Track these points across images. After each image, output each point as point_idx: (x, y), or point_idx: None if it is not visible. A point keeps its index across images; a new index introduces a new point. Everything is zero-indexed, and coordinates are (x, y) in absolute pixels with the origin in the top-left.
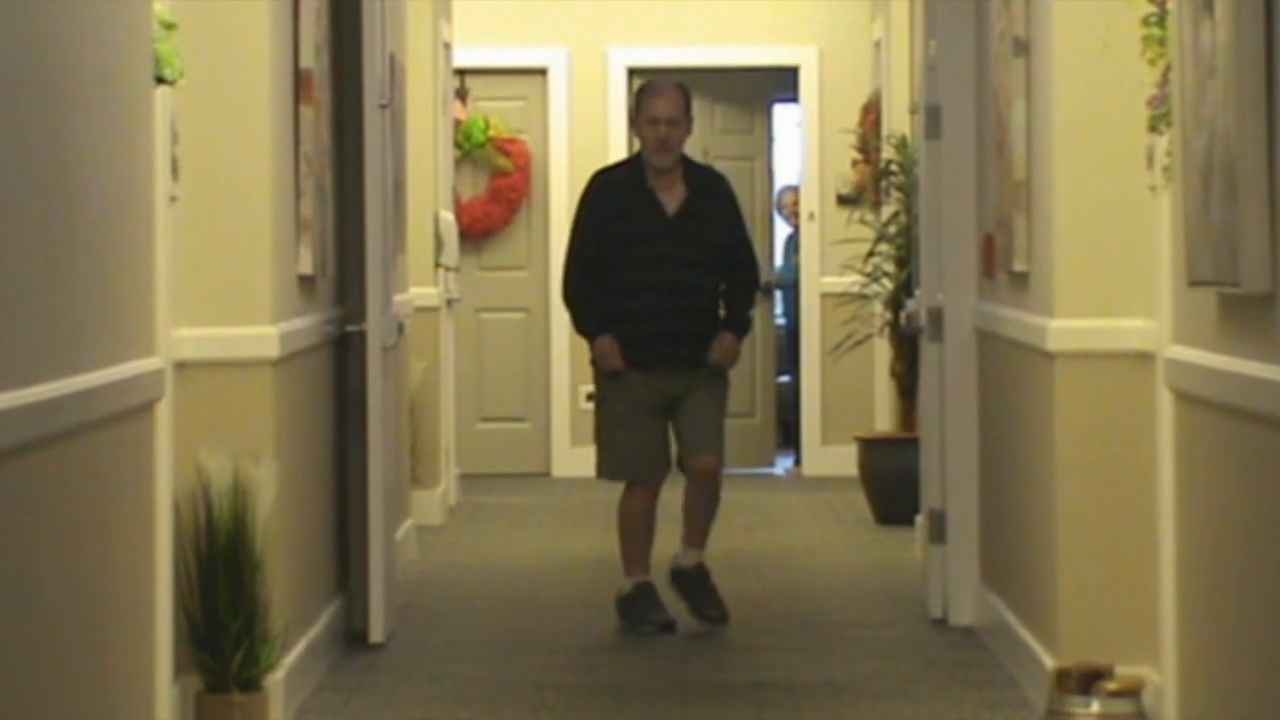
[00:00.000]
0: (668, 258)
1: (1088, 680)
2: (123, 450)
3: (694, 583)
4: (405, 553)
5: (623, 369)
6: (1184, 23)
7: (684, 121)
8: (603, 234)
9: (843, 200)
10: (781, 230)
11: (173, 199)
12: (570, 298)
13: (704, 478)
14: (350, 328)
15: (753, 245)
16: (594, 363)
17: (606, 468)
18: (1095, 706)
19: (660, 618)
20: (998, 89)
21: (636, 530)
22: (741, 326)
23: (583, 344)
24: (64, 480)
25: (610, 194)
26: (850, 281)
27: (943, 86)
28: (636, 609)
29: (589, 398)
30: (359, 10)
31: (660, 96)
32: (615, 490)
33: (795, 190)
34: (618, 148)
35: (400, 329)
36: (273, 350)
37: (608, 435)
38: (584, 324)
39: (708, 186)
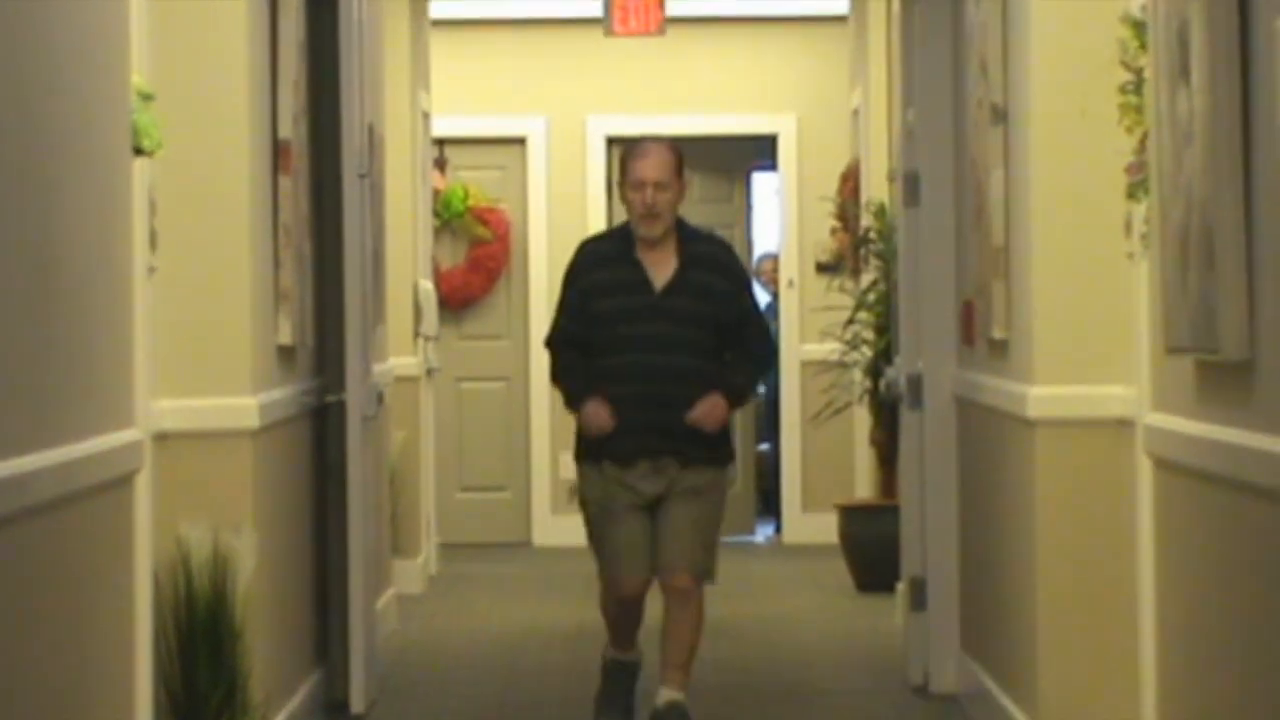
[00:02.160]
0: (653, 339)
1: None
2: (102, 522)
3: None
4: (386, 622)
5: (611, 426)
6: (1161, 91)
7: (674, 185)
8: (586, 312)
9: (822, 268)
10: (761, 298)
11: (151, 270)
12: (556, 374)
13: (679, 599)
14: (330, 398)
15: (765, 320)
16: (577, 456)
17: (598, 571)
18: None
19: None
20: (976, 156)
21: (616, 622)
22: (735, 390)
23: (565, 414)
24: (43, 553)
25: (595, 267)
26: (830, 349)
27: (921, 154)
28: (604, 698)
29: (573, 496)
30: (337, 80)
31: (646, 158)
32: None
33: (774, 258)
34: (597, 216)
35: (380, 398)
36: (252, 421)
37: (591, 535)
38: (570, 392)
39: (705, 257)
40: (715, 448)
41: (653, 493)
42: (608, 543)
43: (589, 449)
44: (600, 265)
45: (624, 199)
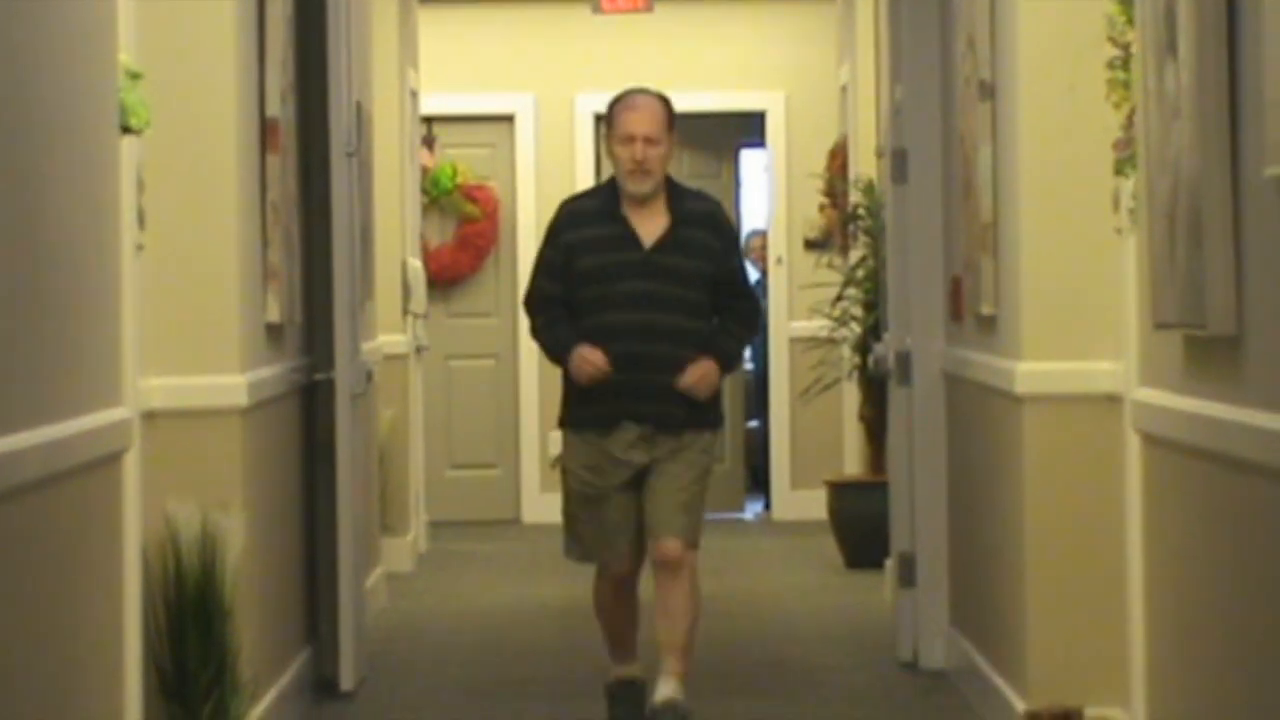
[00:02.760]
0: (642, 297)
1: None
2: (91, 500)
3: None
4: (375, 600)
5: (607, 367)
6: (1148, 66)
7: (665, 140)
8: (567, 270)
9: (810, 245)
10: (750, 275)
11: (139, 248)
12: (536, 328)
13: (669, 569)
14: (318, 376)
15: (750, 281)
16: (561, 422)
17: (565, 544)
18: None
19: None
20: (964, 133)
21: (609, 619)
22: (726, 354)
23: (553, 389)
24: (32, 531)
25: (578, 224)
26: (818, 326)
27: (909, 130)
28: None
29: (555, 463)
30: (325, 58)
31: (636, 110)
32: None
33: (763, 235)
34: None
35: (369, 376)
36: (241, 399)
37: (566, 508)
38: (556, 339)
39: (697, 214)
40: (705, 410)
41: (640, 462)
42: (592, 520)
43: (573, 415)
44: (583, 222)
45: (610, 154)
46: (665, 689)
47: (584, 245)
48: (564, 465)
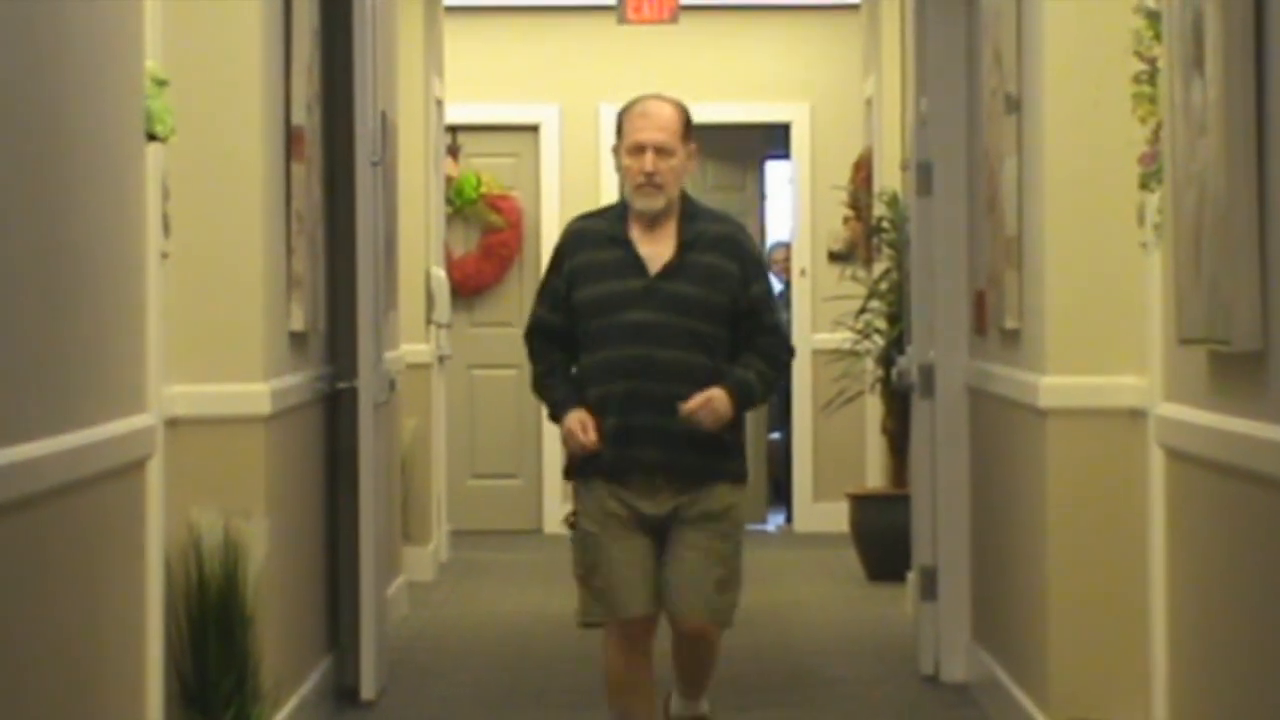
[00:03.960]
0: (648, 329)
1: None
2: (114, 507)
3: None
4: (396, 609)
5: (596, 445)
6: (1174, 81)
7: (679, 150)
8: (570, 300)
9: (834, 257)
10: (774, 287)
11: (164, 256)
12: (535, 380)
13: (692, 641)
14: (342, 384)
15: (779, 313)
16: (566, 472)
17: (580, 610)
18: None
19: None
20: (989, 146)
21: (621, 696)
22: (740, 386)
23: None
24: (55, 537)
25: (582, 248)
26: (842, 338)
27: (934, 143)
28: None
29: (567, 520)
30: (351, 67)
31: (646, 117)
32: None
33: (787, 247)
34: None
35: (392, 385)
36: (264, 407)
37: (579, 567)
38: (551, 401)
39: (711, 237)
40: (726, 460)
41: (655, 515)
42: (603, 567)
43: (580, 464)
44: (588, 245)
45: (619, 167)
46: (689, 707)
47: (586, 272)
48: (574, 521)
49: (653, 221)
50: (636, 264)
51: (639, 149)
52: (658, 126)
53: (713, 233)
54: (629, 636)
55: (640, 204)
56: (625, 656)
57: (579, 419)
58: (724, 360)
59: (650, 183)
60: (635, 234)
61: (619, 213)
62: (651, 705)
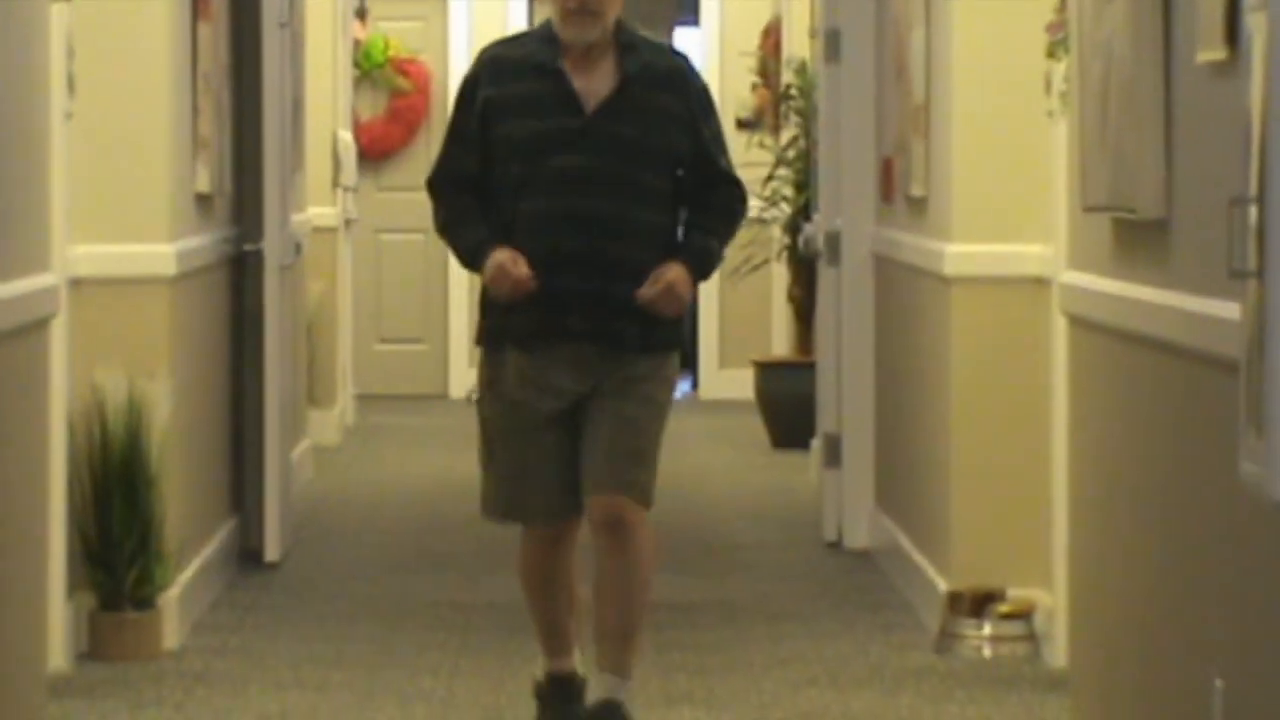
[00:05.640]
0: (580, 177)
1: (980, 603)
2: (17, 366)
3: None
4: (301, 473)
5: (528, 280)
6: None
7: None
8: (487, 138)
9: (742, 124)
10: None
11: (69, 116)
12: (443, 224)
13: (612, 532)
14: (247, 246)
15: (729, 153)
16: (479, 338)
17: (482, 500)
18: (987, 629)
19: None
20: (898, 14)
21: (538, 596)
22: (701, 258)
23: None
24: None
25: (499, 78)
26: (749, 205)
27: (843, 11)
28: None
29: (470, 397)
30: None
31: None
32: None
33: None
34: None
35: (298, 248)
36: (169, 268)
37: (483, 452)
38: (468, 243)
39: (657, 71)
40: (665, 328)
41: (576, 390)
42: (513, 469)
43: (492, 329)
44: (508, 74)
45: None
46: (604, 684)
47: (505, 105)
48: (480, 397)
49: (586, 52)
50: (570, 99)
51: None
52: None
53: (660, 66)
54: (545, 540)
55: (570, 34)
56: (541, 560)
57: (507, 253)
58: (667, 215)
59: (584, 9)
60: (566, 63)
61: (544, 36)
62: (570, 608)
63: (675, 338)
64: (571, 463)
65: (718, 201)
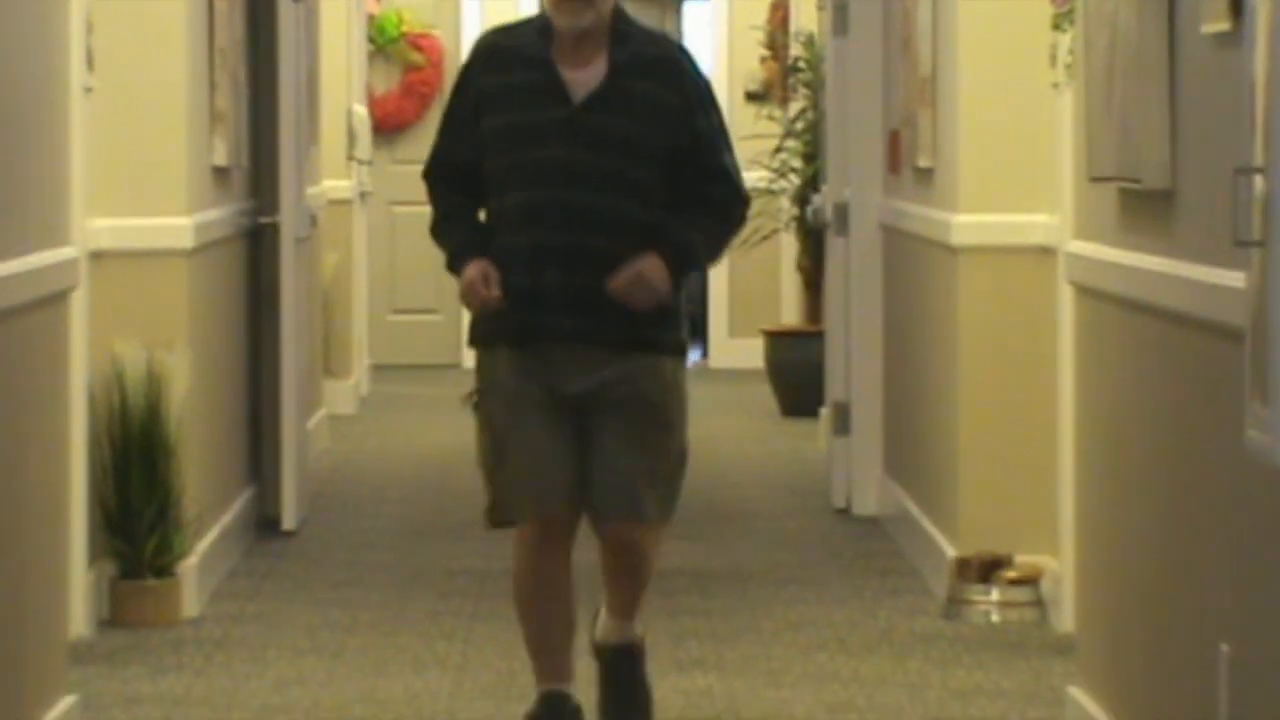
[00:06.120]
0: (569, 169)
1: (987, 569)
2: (37, 339)
3: (615, 668)
4: (317, 442)
5: (498, 301)
6: None
7: None
8: (478, 130)
9: (751, 97)
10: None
11: (88, 90)
12: (433, 225)
13: (619, 549)
14: (263, 219)
15: (733, 156)
16: (471, 339)
17: (486, 507)
18: (995, 594)
19: None
20: None
21: (530, 606)
22: (682, 249)
23: None
24: None
25: (494, 67)
26: (758, 177)
27: None
28: None
29: (467, 399)
30: None
31: None
32: None
33: None
34: None
35: (313, 221)
36: (187, 241)
37: (484, 456)
38: (449, 253)
39: (647, 60)
40: (659, 328)
41: (573, 392)
42: (511, 457)
43: (483, 329)
44: (501, 65)
45: None
46: (617, 630)
47: (496, 96)
48: (480, 398)
49: (578, 41)
50: (557, 89)
51: None
52: None
53: (650, 55)
54: (542, 537)
55: (563, 20)
56: (537, 558)
57: (480, 269)
58: (659, 211)
59: None
60: (557, 53)
61: (539, 26)
62: (569, 618)
63: (666, 338)
64: (574, 451)
65: (712, 198)
